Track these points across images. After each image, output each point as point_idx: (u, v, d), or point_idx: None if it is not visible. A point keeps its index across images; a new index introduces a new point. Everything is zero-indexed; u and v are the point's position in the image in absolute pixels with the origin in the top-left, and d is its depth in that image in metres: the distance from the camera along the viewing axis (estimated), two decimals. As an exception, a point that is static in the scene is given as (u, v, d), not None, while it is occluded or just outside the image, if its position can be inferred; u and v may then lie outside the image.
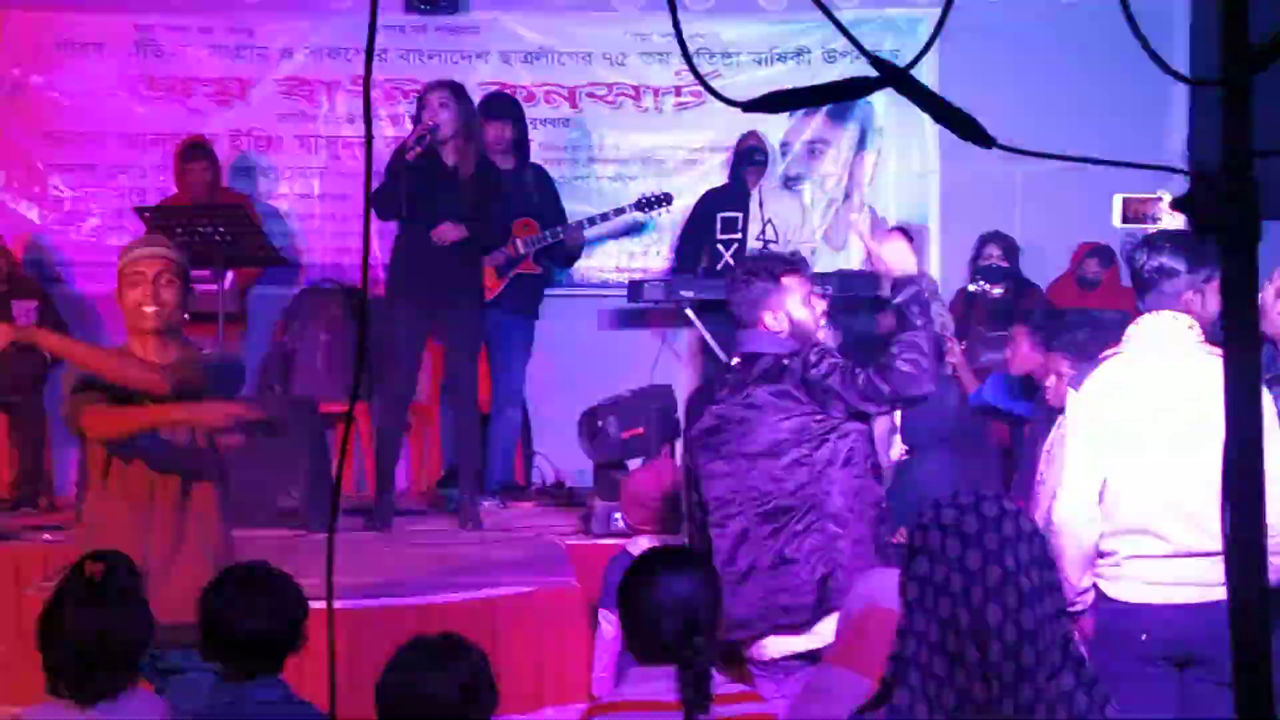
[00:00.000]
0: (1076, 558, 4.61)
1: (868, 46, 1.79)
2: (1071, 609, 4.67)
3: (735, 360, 5.30)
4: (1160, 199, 5.78)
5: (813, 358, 5.01)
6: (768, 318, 5.18)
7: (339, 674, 2.49)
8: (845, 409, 4.97)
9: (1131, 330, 4.71)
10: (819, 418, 4.98)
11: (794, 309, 5.20)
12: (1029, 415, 6.69)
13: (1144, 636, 4.56)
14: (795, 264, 5.41)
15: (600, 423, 7.83)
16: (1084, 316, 6.47)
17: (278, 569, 4.07)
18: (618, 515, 6.77)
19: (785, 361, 5.07)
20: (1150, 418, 4.51)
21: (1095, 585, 4.68)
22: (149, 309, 4.88)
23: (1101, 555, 4.65)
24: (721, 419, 5.16)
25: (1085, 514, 4.59)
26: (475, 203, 7.75)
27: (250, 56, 9.75)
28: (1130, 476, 4.57)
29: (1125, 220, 6.02)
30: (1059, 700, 2.45)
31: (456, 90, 7.87)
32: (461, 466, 8.13)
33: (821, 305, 5.45)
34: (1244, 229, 1.60)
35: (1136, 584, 4.59)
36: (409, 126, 8.17)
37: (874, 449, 5.33)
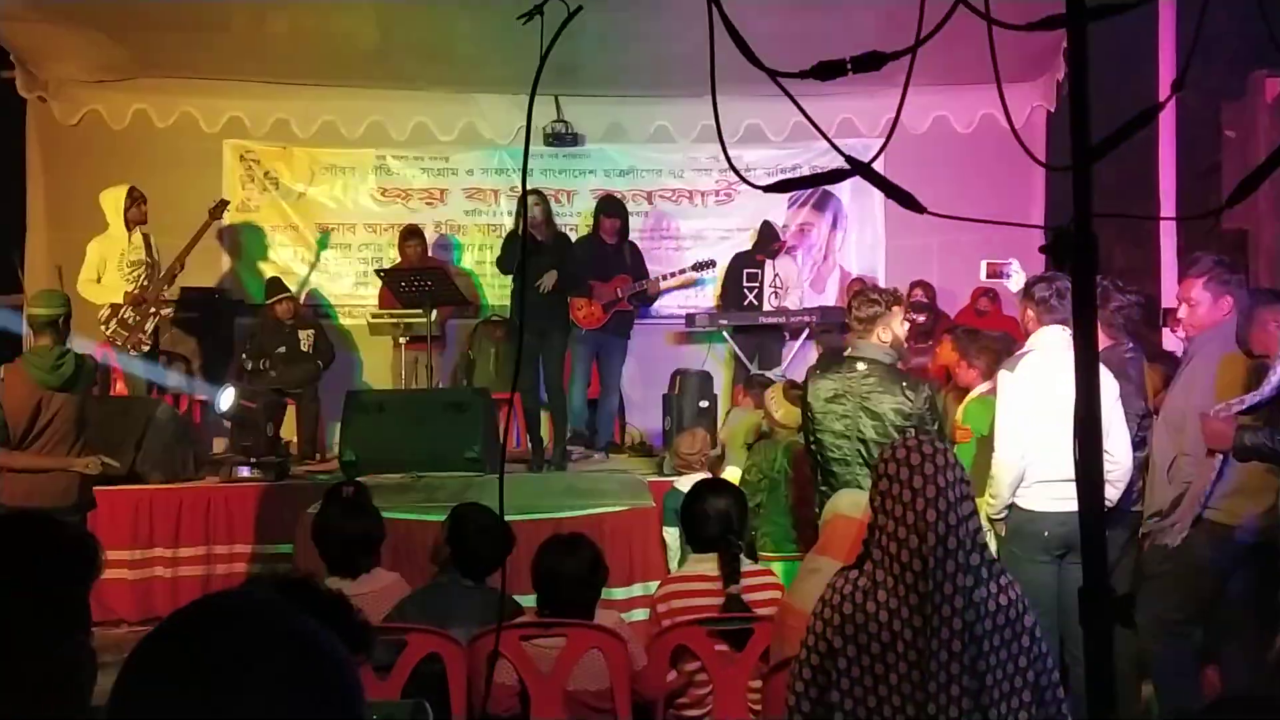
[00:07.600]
0: (1012, 481, 4.51)
1: (834, 165, 1.77)
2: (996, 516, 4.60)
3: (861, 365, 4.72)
4: (1010, 262, 5.50)
5: None
6: (879, 333, 4.78)
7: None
8: None
9: (1036, 337, 4.60)
10: None
11: (895, 328, 4.81)
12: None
13: (1045, 534, 4.46)
14: (899, 297, 4.90)
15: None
16: (981, 332, 6.38)
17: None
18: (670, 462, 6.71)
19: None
20: (1051, 393, 4.33)
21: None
22: None
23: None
24: None
25: (1020, 454, 4.46)
26: (554, 262, 7.55)
27: (447, 174, 9.79)
28: (1040, 428, 4.43)
29: (988, 276, 5.75)
30: (969, 571, 2.42)
31: (541, 196, 7.79)
32: (555, 433, 7.89)
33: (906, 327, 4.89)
34: (1087, 264, 1.57)
35: (1041, 498, 4.49)
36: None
37: None
